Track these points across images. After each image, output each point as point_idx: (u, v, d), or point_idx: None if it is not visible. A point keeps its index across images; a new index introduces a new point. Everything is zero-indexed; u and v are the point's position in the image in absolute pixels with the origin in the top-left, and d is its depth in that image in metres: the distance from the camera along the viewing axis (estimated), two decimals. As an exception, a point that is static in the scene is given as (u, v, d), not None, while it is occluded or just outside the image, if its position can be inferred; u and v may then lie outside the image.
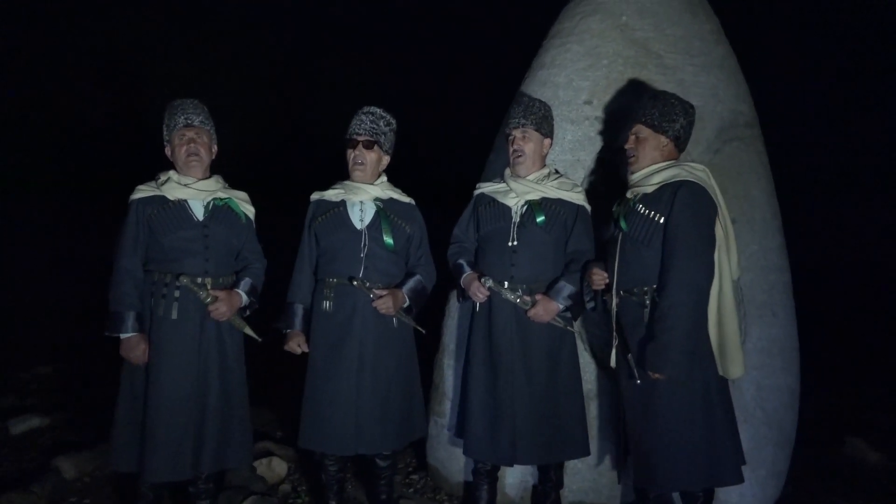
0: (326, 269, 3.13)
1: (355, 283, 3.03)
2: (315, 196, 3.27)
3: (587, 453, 3.12)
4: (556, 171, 3.18)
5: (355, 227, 3.11)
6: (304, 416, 3.09)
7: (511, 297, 3.00)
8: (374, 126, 3.15)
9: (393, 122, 3.23)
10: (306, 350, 3.11)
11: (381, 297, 3.03)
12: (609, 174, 3.38)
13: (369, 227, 3.12)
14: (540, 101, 3.14)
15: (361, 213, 3.14)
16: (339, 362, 3.04)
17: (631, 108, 3.30)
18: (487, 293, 3.04)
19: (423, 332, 3.25)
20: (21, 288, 9.32)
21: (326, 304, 3.08)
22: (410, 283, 3.16)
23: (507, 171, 3.17)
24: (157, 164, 3.14)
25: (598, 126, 3.41)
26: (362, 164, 3.14)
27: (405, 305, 3.14)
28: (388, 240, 3.11)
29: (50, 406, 4.99)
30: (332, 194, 3.20)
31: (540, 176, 3.09)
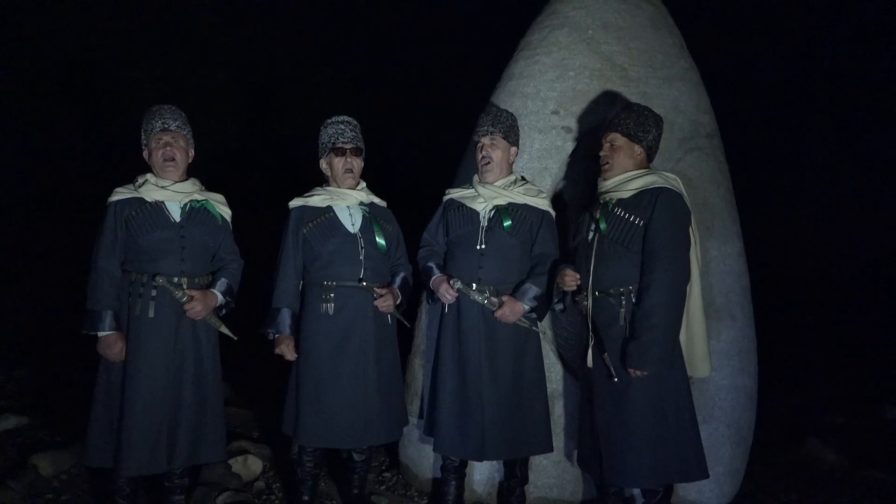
0: (323, 273, 3.20)
1: (364, 284, 3.15)
2: (297, 202, 3.33)
3: (550, 449, 3.24)
4: (523, 178, 3.30)
5: (349, 232, 3.23)
6: (306, 415, 3.14)
7: (479, 298, 3.12)
8: (355, 134, 3.29)
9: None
10: (295, 355, 3.19)
11: (382, 295, 3.17)
12: (574, 181, 3.51)
13: (362, 230, 3.24)
14: (507, 112, 3.27)
15: (351, 218, 3.26)
16: (345, 361, 3.15)
17: (596, 118, 3.45)
18: (456, 294, 3.16)
19: (409, 325, 3.41)
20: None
21: (327, 307, 3.17)
22: (399, 281, 3.33)
23: (476, 178, 3.30)
24: (132, 169, 3.23)
25: (565, 135, 3.54)
26: (352, 170, 3.27)
27: (398, 301, 3.28)
28: (381, 241, 3.26)
29: (25, 407, 5.03)
30: (318, 200, 3.29)
31: (507, 182, 3.22)
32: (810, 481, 3.96)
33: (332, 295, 3.18)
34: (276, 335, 3.19)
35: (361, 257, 3.20)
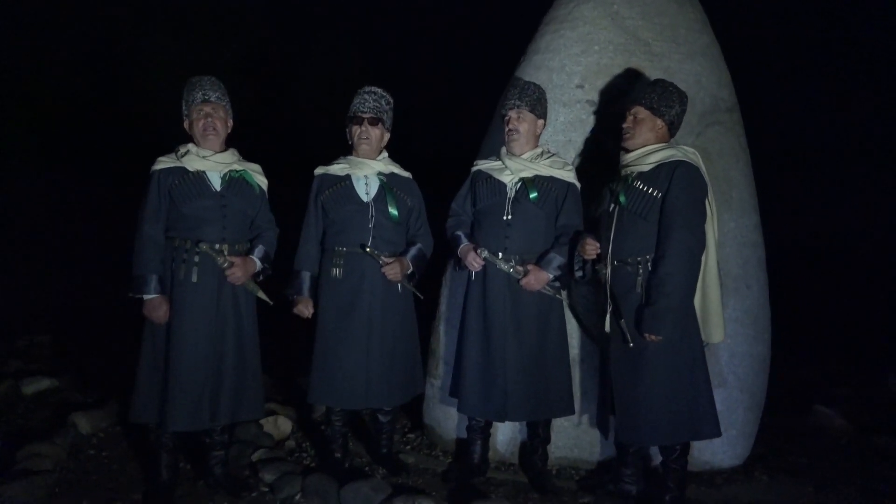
0: (336, 239, 3.35)
1: (367, 249, 3.26)
2: (319, 170, 3.46)
3: (572, 412, 3.38)
4: (549, 151, 3.39)
5: (362, 200, 3.34)
6: (315, 375, 3.32)
7: (504, 267, 3.24)
8: (377, 104, 3.37)
9: (391, 101, 3.46)
10: (311, 312, 3.33)
11: (388, 263, 3.27)
12: (598, 154, 3.60)
13: (375, 199, 3.35)
14: (534, 84, 3.35)
15: (367, 187, 3.37)
16: (349, 325, 3.29)
17: (620, 92, 3.53)
18: (483, 263, 3.28)
19: (422, 297, 3.51)
20: (14, 260, 9.51)
21: (336, 272, 3.31)
22: (413, 252, 3.42)
23: (503, 150, 3.39)
24: (150, 141, 3.32)
25: (589, 109, 3.62)
26: (367, 139, 3.37)
27: (408, 272, 3.38)
28: (394, 211, 3.35)
29: (53, 370, 5.20)
30: (337, 169, 3.41)
31: (533, 155, 3.31)
32: (819, 446, 4.11)
33: (341, 261, 3.31)
34: (296, 296, 3.35)
35: (371, 225, 3.32)
